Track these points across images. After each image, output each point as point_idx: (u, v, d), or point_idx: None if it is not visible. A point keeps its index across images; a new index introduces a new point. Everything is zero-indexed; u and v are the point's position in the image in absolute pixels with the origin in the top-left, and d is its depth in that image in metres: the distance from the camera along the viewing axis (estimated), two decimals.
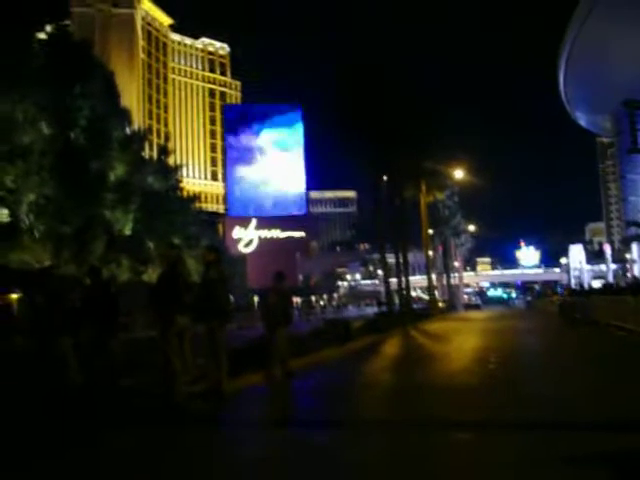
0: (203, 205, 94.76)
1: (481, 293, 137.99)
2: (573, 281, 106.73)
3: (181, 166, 68.27)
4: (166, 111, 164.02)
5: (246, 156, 76.75)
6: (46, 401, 8.01)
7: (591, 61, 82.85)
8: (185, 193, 62.82)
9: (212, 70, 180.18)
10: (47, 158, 33.33)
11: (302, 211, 72.45)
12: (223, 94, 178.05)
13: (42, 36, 37.86)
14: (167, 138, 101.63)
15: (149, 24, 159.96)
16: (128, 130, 47.96)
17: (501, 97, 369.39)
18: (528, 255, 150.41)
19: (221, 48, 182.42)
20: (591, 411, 7.10)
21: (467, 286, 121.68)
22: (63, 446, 6.34)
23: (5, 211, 32.57)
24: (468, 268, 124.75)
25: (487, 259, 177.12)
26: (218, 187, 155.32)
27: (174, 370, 8.21)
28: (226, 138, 76.95)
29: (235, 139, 75.74)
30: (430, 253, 54.87)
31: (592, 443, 5.51)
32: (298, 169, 72.07)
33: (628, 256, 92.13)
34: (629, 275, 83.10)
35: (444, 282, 74.48)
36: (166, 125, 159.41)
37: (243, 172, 76.42)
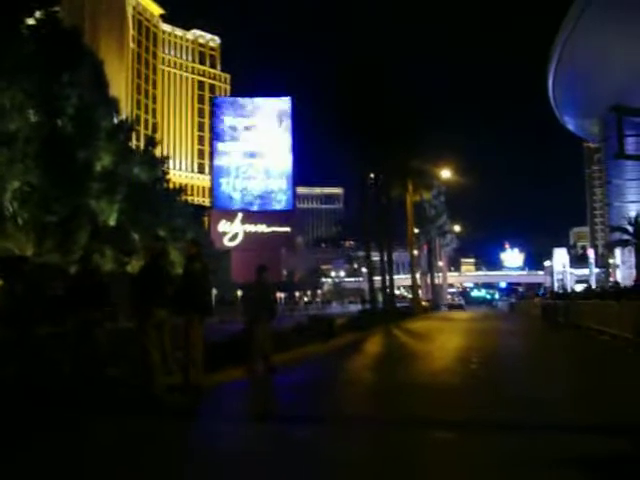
0: (189, 198, 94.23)
1: (464, 293, 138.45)
2: (556, 284, 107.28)
3: (168, 158, 67.88)
4: (154, 102, 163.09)
5: (234, 135, 76.62)
6: (28, 390, 7.88)
7: (580, 66, 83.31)
8: (171, 185, 62.47)
9: (202, 62, 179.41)
10: (32, 146, 32.98)
11: (288, 199, 72.06)
12: (212, 87, 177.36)
13: (31, 22, 37.41)
14: (155, 129, 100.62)
15: (140, 13, 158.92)
16: (116, 120, 47.64)
17: (490, 99, 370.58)
18: (512, 257, 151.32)
19: (211, 40, 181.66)
20: (574, 414, 7.10)
21: (451, 286, 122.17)
22: (45, 436, 6.26)
23: None
24: (452, 268, 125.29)
25: (471, 260, 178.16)
26: (205, 180, 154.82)
27: (152, 362, 8.12)
28: (214, 121, 76.58)
29: (223, 121, 75.68)
30: (415, 252, 54.98)
31: (574, 446, 5.50)
32: (285, 156, 71.67)
33: (611, 261, 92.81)
34: (611, 279, 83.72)
35: (428, 281, 74.73)
36: (154, 116, 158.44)
37: (229, 149, 76.18)
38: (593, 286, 67.38)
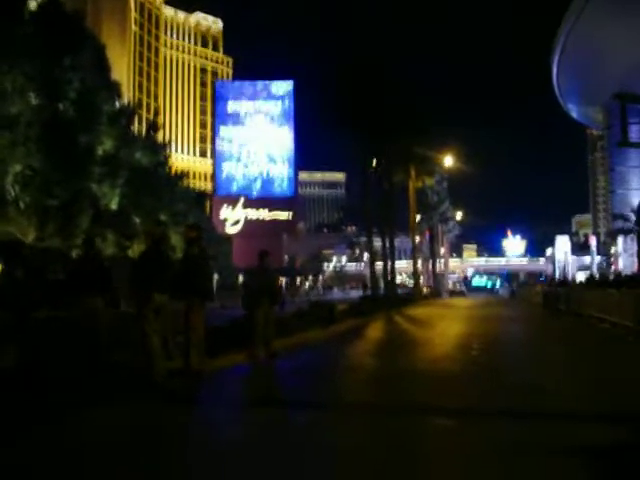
0: (191, 182, 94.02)
1: (466, 280, 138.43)
2: (558, 272, 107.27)
3: (170, 142, 67.63)
4: (156, 85, 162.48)
5: (236, 120, 76.54)
6: (28, 375, 7.86)
7: (584, 53, 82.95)
8: (174, 169, 62.31)
9: (204, 45, 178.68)
10: (34, 129, 32.87)
11: (290, 185, 72.15)
12: (215, 70, 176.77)
13: (33, 5, 37.23)
14: (156, 113, 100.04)
15: None
16: (118, 104, 47.45)
17: (495, 87, 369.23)
18: (514, 244, 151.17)
19: (214, 23, 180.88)
20: (574, 402, 7.10)
21: (452, 273, 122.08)
22: (44, 427, 6.24)
23: None
24: (454, 255, 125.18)
25: (473, 246, 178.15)
26: (207, 164, 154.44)
27: (152, 347, 8.09)
28: (216, 105, 76.32)
29: (225, 105, 75.33)
30: (417, 238, 54.90)
31: (575, 434, 5.50)
32: (287, 141, 71.60)
33: (613, 249, 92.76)
34: (613, 267, 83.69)
35: (429, 268, 74.69)
36: (156, 99, 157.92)
37: (232, 134, 76.02)
38: (595, 274, 67.43)
